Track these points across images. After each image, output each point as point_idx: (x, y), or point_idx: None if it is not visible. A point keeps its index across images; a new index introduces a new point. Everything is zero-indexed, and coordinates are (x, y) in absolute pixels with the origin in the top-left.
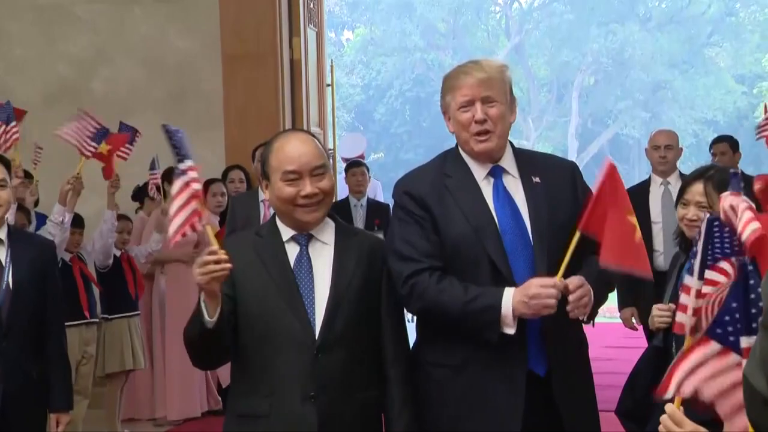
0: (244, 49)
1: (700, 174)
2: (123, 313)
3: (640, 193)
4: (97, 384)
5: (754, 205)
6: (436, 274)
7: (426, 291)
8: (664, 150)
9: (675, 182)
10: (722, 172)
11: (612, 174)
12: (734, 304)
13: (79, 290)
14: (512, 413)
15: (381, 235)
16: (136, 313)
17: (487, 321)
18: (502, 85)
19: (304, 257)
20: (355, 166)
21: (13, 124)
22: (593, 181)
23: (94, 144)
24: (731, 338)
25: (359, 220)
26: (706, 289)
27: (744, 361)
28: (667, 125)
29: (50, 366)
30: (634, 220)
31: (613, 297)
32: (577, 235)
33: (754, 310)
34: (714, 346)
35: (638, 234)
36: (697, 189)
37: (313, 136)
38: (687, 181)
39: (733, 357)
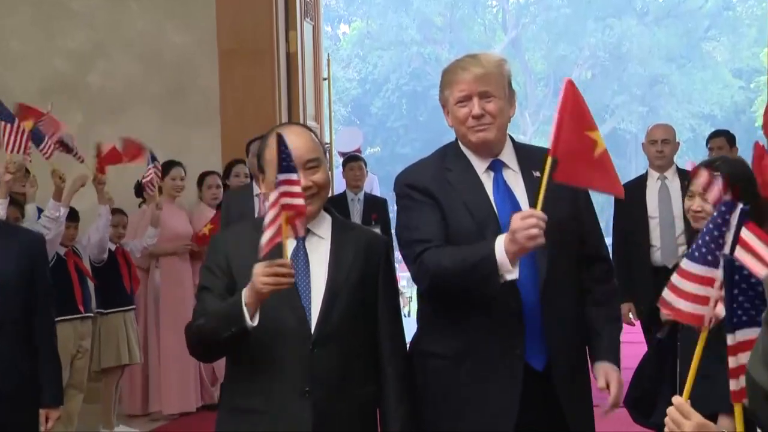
0: (240, 44)
1: (704, 166)
2: (118, 308)
3: (637, 188)
4: (92, 379)
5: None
6: (439, 248)
7: (430, 263)
8: (661, 144)
9: (672, 177)
10: (728, 163)
11: (570, 91)
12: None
13: (74, 284)
14: (508, 406)
15: (378, 230)
16: (131, 307)
17: (485, 273)
18: (500, 79)
19: (301, 251)
20: (352, 160)
21: (21, 123)
22: None
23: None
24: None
25: (356, 214)
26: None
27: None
28: (665, 120)
29: (40, 361)
30: (594, 134)
31: None
32: (549, 160)
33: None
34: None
35: (599, 150)
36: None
37: (310, 129)
38: (691, 172)
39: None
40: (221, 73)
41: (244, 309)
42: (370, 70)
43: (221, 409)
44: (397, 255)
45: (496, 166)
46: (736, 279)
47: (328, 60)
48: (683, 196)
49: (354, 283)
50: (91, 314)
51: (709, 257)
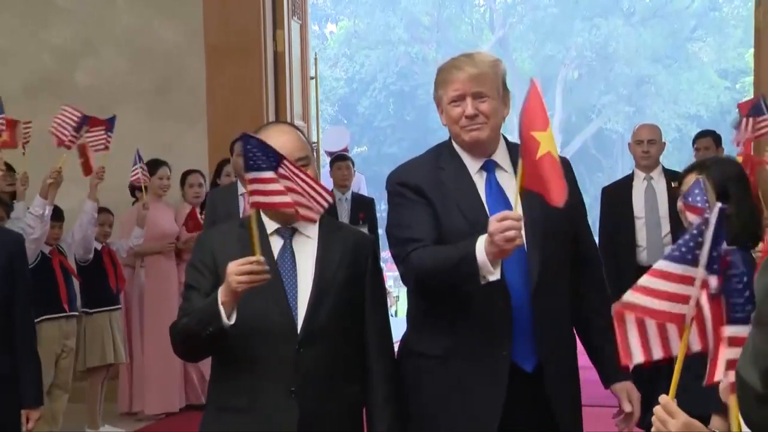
0: (227, 41)
1: (696, 165)
2: (104, 307)
3: (623, 188)
4: (77, 378)
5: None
6: (427, 247)
7: (416, 261)
8: (647, 144)
9: (658, 177)
10: (719, 163)
11: (532, 92)
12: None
13: (59, 283)
14: (492, 406)
15: (365, 230)
16: (117, 307)
17: (466, 272)
18: (494, 79)
19: (288, 251)
20: (340, 159)
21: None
22: (579, 175)
23: (74, 134)
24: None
25: (344, 214)
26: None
27: None
28: (651, 120)
29: (20, 362)
30: (539, 135)
31: None
32: (520, 163)
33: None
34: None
35: (542, 150)
36: (692, 180)
37: (297, 128)
38: (684, 172)
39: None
40: (208, 71)
41: (221, 308)
42: (357, 70)
43: (208, 408)
44: (384, 254)
45: (489, 167)
46: (731, 276)
47: (316, 59)
48: (669, 197)
49: (341, 282)
50: (76, 313)
51: (689, 256)
